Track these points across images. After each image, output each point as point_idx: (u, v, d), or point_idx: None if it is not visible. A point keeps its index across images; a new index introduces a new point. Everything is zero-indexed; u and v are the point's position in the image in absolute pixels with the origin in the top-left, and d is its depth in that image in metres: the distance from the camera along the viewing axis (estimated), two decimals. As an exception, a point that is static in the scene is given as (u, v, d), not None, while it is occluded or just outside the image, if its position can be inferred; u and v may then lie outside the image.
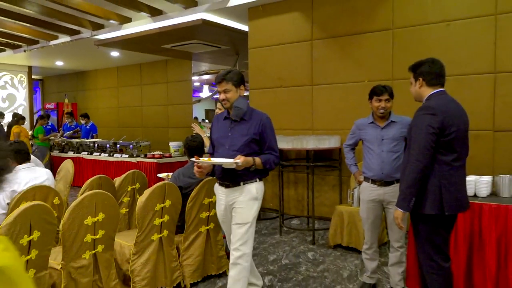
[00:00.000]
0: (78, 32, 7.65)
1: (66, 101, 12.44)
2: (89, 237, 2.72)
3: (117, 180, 3.95)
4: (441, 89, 2.55)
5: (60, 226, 2.63)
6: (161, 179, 4.29)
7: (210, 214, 3.48)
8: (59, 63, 10.80)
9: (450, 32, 4.32)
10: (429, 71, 2.55)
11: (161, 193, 3.13)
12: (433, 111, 2.38)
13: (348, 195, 4.42)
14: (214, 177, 3.41)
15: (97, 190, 2.76)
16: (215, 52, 8.56)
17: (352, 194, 4.36)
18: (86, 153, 8.50)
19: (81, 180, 8.35)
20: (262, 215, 5.72)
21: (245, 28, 6.66)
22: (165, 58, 10.03)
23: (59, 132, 9.78)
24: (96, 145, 8.53)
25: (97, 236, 2.76)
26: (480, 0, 4.15)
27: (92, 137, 9.24)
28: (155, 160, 7.18)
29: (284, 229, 5.03)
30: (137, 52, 8.65)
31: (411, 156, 2.40)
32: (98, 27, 7.31)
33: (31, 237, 2.37)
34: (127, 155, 7.77)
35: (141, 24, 6.84)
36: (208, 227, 3.50)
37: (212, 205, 3.47)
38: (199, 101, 10.73)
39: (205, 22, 6.08)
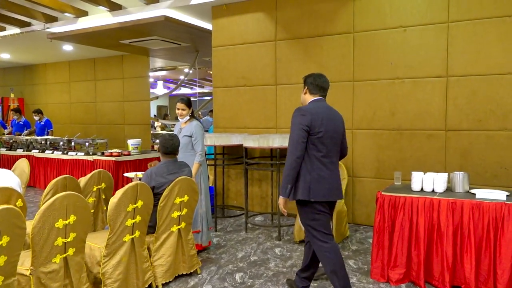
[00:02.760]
0: (28, 24, 7.26)
1: (12, 95, 11.74)
2: (60, 241, 2.65)
3: (82, 180, 3.84)
4: (320, 97, 2.95)
5: (29, 230, 2.54)
6: (128, 179, 4.22)
7: (182, 214, 3.49)
8: (5, 55, 10.17)
9: (406, 37, 4.59)
10: (313, 82, 2.96)
11: (134, 194, 3.10)
12: (303, 112, 2.82)
13: (313, 192, 4.57)
14: (186, 177, 3.45)
15: (68, 192, 2.68)
16: (175, 49, 8.46)
17: (317, 191, 4.52)
18: (37, 151, 8.09)
19: (32, 180, 7.96)
20: (226, 213, 5.77)
21: (207, 26, 6.65)
22: (121, 53, 9.75)
23: (7, 129, 9.24)
24: (48, 142, 8.15)
25: (68, 239, 2.69)
26: (434, 9, 4.44)
27: (48, 134, 8.81)
28: (113, 158, 6.99)
29: (249, 226, 5.11)
30: (92, 46, 8.35)
31: (287, 150, 2.83)
32: (52, 19, 6.99)
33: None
34: (82, 153, 7.50)
35: (98, 18, 6.63)
36: (179, 227, 3.50)
37: (183, 204, 3.48)
38: (157, 98, 10.54)
39: (167, 19, 6.00)
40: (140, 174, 3.77)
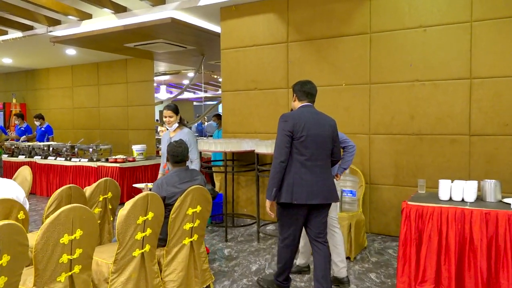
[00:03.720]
0: (31, 28, 7.09)
1: (14, 101, 11.56)
2: (65, 257, 2.43)
3: (88, 190, 3.62)
4: (307, 103, 3.07)
5: (32, 243, 2.33)
6: (138, 189, 3.99)
7: (194, 225, 3.27)
8: (7, 60, 10.00)
9: (427, 38, 4.38)
10: (300, 89, 3.09)
11: (144, 205, 2.88)
12: (286, 118, 2.96)
13: (329, 200, 4.35)
14: (199, 186, 3.24)
15: (74, 204, 2.47)
16: (180, 53, 8.27)
17: (333, 199, 4.29)
18: (39, 157, 7.89)
19: (34, 187, 7.74)
20: (236, 221, 5.55)
21: (214, 28, 6.46)
22: (125, 57, 9.58)
23: (9, 136, 9.06)
24: (51, 148, 7.96)
25: (74, 256, 2.47)
26: (456, 8, 4.24)
27: (48, 140, 8.61)
28: (117, 165, 6.80)
29: (261, 236, 4.88)
30: (96, 50, 8.17)
31: (273, 155, 2.99)
32: (55, 23, 6.81)
33: None
34: (86, 159, 7.30)
35: (103, 21, 6.44)
36: (191, 239, 3.28)
37: (196, 215, 3.26)
38: (161, 102, 10.33)
39: (174, 21, 5.81)
40: (150, 184, 3.55)
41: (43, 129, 8.70)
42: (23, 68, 11.38)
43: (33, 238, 3.49)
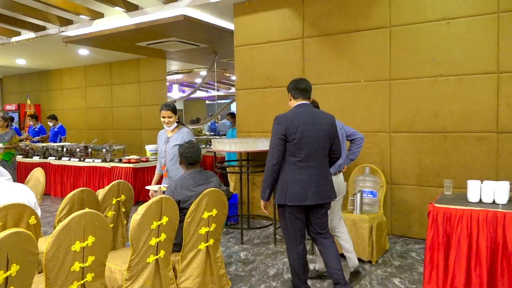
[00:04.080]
0: (43, 28, 7.05)
1: (29, 102, 11.62)
2: (77, 265, 2.32)
3: (100, 193, 3.53)
4: (303, 102, 3.04)
5: (44, 248, 2.23)
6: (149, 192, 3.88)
7: (210, 230, 3.14)
8: (21, 61, 10.03)
9: (451, 31, 4.17)
10: (294, 88, 3.08)
11: (158, 209, 2.77)
12: (279, 120, 2.94)
13: (349, 201, 4.19)
14: (214, 188, 3.11)
15: (86, 210, 2.36)
16: (192, 51, 8.17)
17: (353, 200, 4.13)
18: (53, 158, 7.88)
19: (48, 188, 7.73)
20: (252, 223, 5.42)
21: (227, 25, 6.33)
22: (137, 57, 9.52)
23: (23, 136, 9.08)
24: (64, 149, 7.94)
25: (86, 264, 2.36)
26: (482, -2, 4.03)
27: (60, 140, 8.60)
28: (131, 165, 6.73)
29: (278, 238, 4.74)
30: (108, 50, 8.11)
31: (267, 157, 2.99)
32: (67, 22, 6.76)
33: (8, 272, 1.96)
34: (99, 160, 7.25)
35: (115, 20, 6.36)
36: (207, 244, 3.16)
37: (212, 219, 3.13)
38: (174, 101, 10.25)
39: (186, 18, 5.69)
40: (164, 187, 3.43)
41: (56, 129, 8.70)
42: (37, 69, 11.42)
43: (44, 243, 3.42)
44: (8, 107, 12.14)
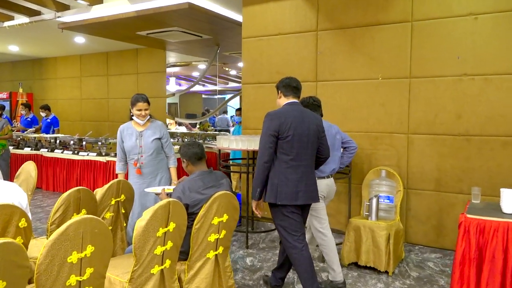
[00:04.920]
0: (38, 13, 6.67)
1: (21, 90, 11.21)
2: (73, 279, 2.02)
3: (99, 192, 3.21)
4: (293, 100, 3.02)
5: (35, 254, 1.93)
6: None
7: (220, 237, 2.85)
8: (14, 48, 9.62)
9: (478, 26, 3.90)
10: (284, 85, 3.04)
11: (165, 215, 2.47)
12: (271, 117, 2.89)
13: (364, 206, 3.92)
14: (226, 191, 2.83)
15: (85, 216, 2.06)
16: (194, 42, 7.83)
17: (369, 205, 3.86)
18: (46, 150, 7.52)
19: (39, 181, 7.37)
20: (256, 225, 5.13)
21: (233, 15, 6.02)
22: (136, 47, 9.16)
23: (15, 126, 8.70)
24: (58, 141, 7.58)
25: (84, 277, 2.06)
26: (513, -8, 3.75)
27: (53, 132, 8.24)
28: (128, 160, 6.39)
29: (284, 243, 4.45)
30: (106, 38, 7.75)
31: (258, 155, 2.94)
32: (63, 7, 6.39)
33: (-7, 289, 1.66)
34: (94, 154, 6.91)
35: (115, 6, 6.02)
36: (216, 252, 2.87)
37: (222, 225, 2.84)
38: (173, 95, 9.93)
39: (191, 6, 5.37)
40: (169, 188, 3.14)
41: (48, 120, 8.33)
42: (30, 56, 11.00)
43: (36, 247, 3.12)
44: (-1, 95, 11.73)
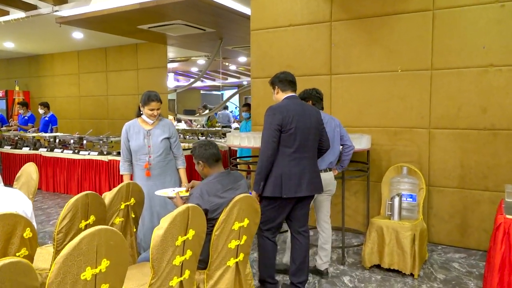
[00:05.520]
0: (35, 7, 6.40)
1: (17, 88, 10.92)
2: (87, 298, 1.81)
3: (107, 196, 2.99)
4: (292, 94, 3.03)
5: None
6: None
7: (241, 243, 2.64)
8: (9, 44, 9.33)
9: (505, 14, 3.69)
10: (281, 80, 3.04)
11: (184, 221, 2.25)
12: (274, 111, 2.89)
13: (387, 206, 3.71)
14: (246, 194, 2.62)
15: (98, 227, 1.84)
16: (196, 36, 7.58)
17: (391, 204, 3.66)
18: (45, 149, 7.27)
19: (40, 182, 7.12)
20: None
21: (239, 7, 5.78)
22: (135, 42, 8.91)
23: (12, 125, 8.43)
24: (57, 140, 7.33)
25: (99, 294, 1.85)
26: (543, -23, 3.54)
27: (52, 130, 7.99)
28: (131, 159, 6.16)
29: (299, 244, 4.25)
30: (105, 33, 7.49)
31: (260, 148, 2.94)
32: (61, 1, 6.14)
33: (-1, 316, 1.44)
34: (96, 153, 6.68)
35: (114, -1, 5.77)
36: (237, 260, 2.66)
37: (243, 231, 2.63)
38: (175, 91, 9.69)
39: (196, -3, 5.14)
40: (182, 190, 2.91)
41: (46, 118, 8.07)
42: (26, 53, 10.72)
43: (41, 256, 2.90)
44: (-5, 94, 11.43)
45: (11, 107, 10.92)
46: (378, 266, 3.65)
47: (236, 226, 2.58)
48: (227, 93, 20.53)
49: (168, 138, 3.51)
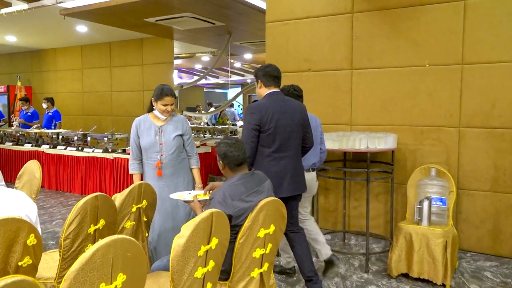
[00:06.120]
0: (38, -2, 6.15)
1: (19, 83, 10.67)
2: (101, 318, 1.56)
3: (118, 198, 2.74)
4: (275, 90, 2.92)
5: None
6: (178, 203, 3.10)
7: (266, 252, 2.39)
8: (11, 38, 9.08)
9: (544, 5, 3.43)
10: (265, 74, 2.91)
11: (207, 229, 2.01)
12: (253, 110, 2.82)
13: (415, 210, 3.46)
14: (273, 198, 2.38)
15: (114, 237, 1.59)
16: (204, 30, 7.33)
17: (420, 209, 3.40)
18: (47, 146, 7.03)
19: (42, 180, 6.89)
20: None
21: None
22: (141, 36, 8.66)
23: (13, 120, 8.19)
24: (60, 136, 7.09)
25: (115, 314, 1.60)
26: None
27: (55, 126, 7.75)
28: (137, 157, 5.91)
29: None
30: (110, 27, 7.23)
31: None
32: (66, -9, 5.87)
33: None
34: (100, 150, 6.44)
35: (122, -10, 5.51)
36: (261, 270, 2.41)
37: (268, 238, 2.38)
38: (181, 87, 9.43)
39: (208, -13, 4.88)
40: (200, 194, 2.65)
41: (50, 114, 7.84)
42: (29, 48, 10.47)
43: (46, 263, 2.65)
44: (-4, 89, 11.18)
45: (13, 103, 10.68)
46: (405, 275, 3.40)
47: (262, 233, 2.33)
48: (230, 91, 20.28)
49: (181, 135, 3.26)
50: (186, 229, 1.92)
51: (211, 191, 2.60)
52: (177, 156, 3.26)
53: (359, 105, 4.23)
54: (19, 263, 2.00)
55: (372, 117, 4.17)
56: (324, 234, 4.28)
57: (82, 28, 7.81)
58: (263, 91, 2.94)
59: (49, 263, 2.64)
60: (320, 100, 4.42)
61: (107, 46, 9.43)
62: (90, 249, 1.50)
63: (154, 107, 3.25)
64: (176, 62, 14.22)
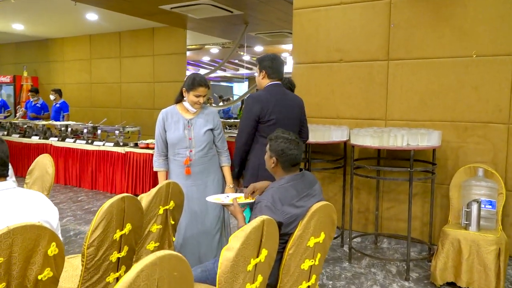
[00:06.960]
0: (48, -17, 5.86)
1: (25, 74, 10.40)
2: None
3: (144, 199, 2.46)
4: (277, 82, 2.90)
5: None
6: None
7: (315, 263, 2.11)
8: (18, 26, 8.79)
9: None
10: (271, 66, 2.88)
11: (257, 240, 1.72)
12: (253, 100, 2.85)
13: (462, 214, 3.16)
14: (325, 202, 2.09)
15: (161, 254, 1.30)
16: (220, 20, 7.02)
17: (469, 212, 3.11)
18: (56, 139, 6.76)
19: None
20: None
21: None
22: (152, 26, 8.35)
23: (17, 112, 7.93)
24: (69, 129, 6.81)
25: None
26: None
27: (63, 117, 7.48)
28: (150, 151, 5.64)
29: (353, 252, 3.71)
30: (120, 15, 6.92)
31: (236, 137, 2.93)
32: (77, -24, 5.58)
33: None
34: (111, 143, 6.17)
35: (137, -26, 5.20)
36: (309, 283, 2.13)
37: (318, 248, 2.10)
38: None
39: (231, -29, 4.57)
40: (240, 197, 2.35)
41: (58, 105, 7.58)
42: (36, 37, 10.18)
43: (65, 271, 2.37)
44: (2, 79, 10.91)
45: (19, 93, 10.42)
46: (451, 284, 3.11)
47: (312, 242, 2.04)
48: (235, 85, 19.97)
49: (212, 130, 2.96)
50: (235, 240, 1.64)
51: (253, 194, 2.31)
52: (207, 153, 2.96)
53: (396, 99, 3.92)
54: (39, 277, 1.72)
55: (409, 112, 3.86)
56: (354, 236, 4.01)
57: (92, 16, 7.51)
58: (264, 81, 2.91)
59: (68, 271, 2.37)
60: (352, 93, 4.11)
61: (117, 35, 9.13)
62: (133, 270, 1.22)
63: (184, 98, 2.94)
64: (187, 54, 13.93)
